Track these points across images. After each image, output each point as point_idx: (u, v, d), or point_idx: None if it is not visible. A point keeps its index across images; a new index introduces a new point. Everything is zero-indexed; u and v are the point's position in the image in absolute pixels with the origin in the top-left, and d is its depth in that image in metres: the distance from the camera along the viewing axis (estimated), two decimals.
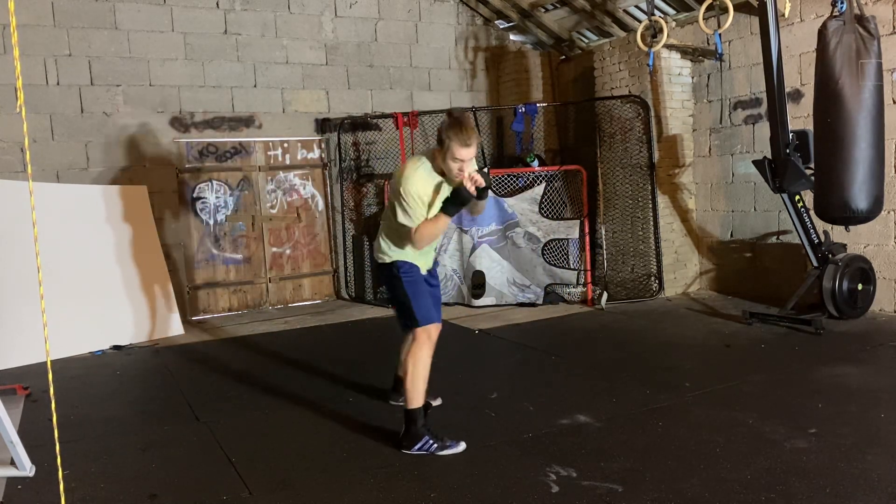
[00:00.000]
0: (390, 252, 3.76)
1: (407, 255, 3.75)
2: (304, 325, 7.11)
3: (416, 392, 3.63)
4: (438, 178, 3.60)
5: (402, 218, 3.58)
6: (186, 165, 7.69)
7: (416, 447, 3.58)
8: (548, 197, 7.57)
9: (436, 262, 4.08)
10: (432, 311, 3.76)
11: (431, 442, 3.59)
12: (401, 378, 4.08)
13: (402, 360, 4.08)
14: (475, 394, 4.50)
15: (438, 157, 3.54)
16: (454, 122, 3.46)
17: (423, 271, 3.86)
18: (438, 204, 3.58)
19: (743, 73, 7.10)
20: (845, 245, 6.06)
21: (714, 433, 3.63)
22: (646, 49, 6.84)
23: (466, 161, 3.45)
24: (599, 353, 5.51)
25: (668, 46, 7.12)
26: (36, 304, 3.82)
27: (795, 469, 3.16)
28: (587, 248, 7.48)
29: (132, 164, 7.36)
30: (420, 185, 3.56)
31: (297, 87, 8.19)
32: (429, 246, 3.80)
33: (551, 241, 7.50)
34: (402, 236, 3.67)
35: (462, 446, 3.60)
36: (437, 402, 4.27)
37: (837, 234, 6.04)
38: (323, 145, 8.42)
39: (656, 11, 7.27)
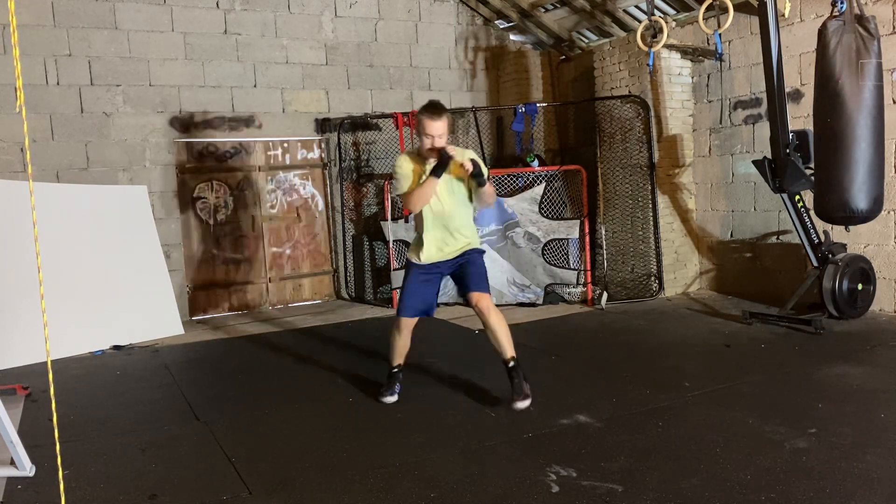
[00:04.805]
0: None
1: None
2: (304, 325, 7.11)
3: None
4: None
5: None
6: (186, 165, 7.69)
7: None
8: (548, 197, 7.57)
9: None
10: None
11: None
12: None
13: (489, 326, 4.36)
14: (475, 394, 4.50)
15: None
16: (424, 106, 4.17)
17: None
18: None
19: (743, 73, 7.10)
20: (845, 245, 6.06)
21: (714, 433, 3.63)
22: (646, 49, 6.83)
23: (436, 136, 4.05)
24: (599, 354, 5.51)
25: (668, 46, 7.12)
26: (36, 304, 3.81)
27: (795, 469, 3.16)
28: (587, 248, 7.48)
29: (132, 164, 7.36)
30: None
31: (297, 87, 8.19)
32: None
33: (551, 241, 7.50)
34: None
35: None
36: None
37: (837, 234, 6.03)
38: (323, 145, 8.42)
39: (656, 11, 7.26)
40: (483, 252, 4.39)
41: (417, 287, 4.31)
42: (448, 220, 4.22)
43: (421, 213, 4.23)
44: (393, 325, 4.43)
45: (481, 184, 4.09)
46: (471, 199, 4.28)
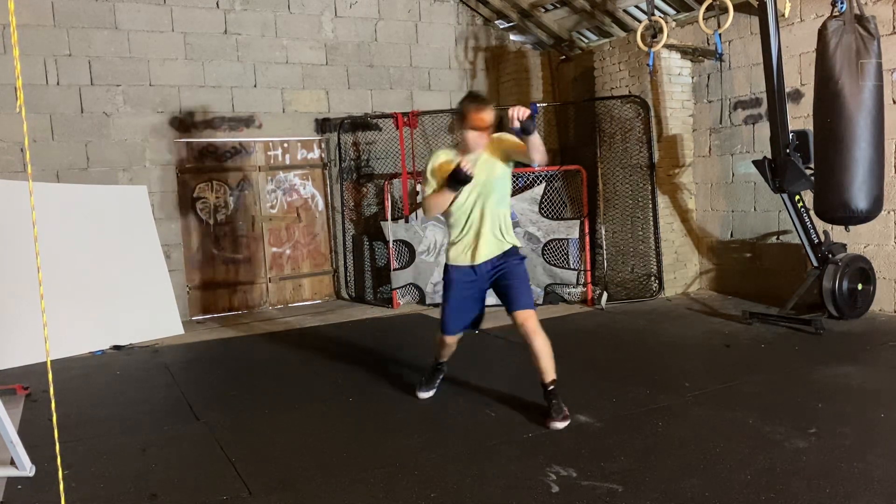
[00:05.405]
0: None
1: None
2: (304, 325, 7.11)
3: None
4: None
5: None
6: (186, 165, 7.69)
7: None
8: (548, 197, 7.57)
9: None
10: None
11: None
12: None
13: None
14: (475, 394, 4.50)
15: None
16: (467, 97, 3.94)
17: None
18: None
19: (743, 73, 7.10)
20: (845, 245, 6.06)
21: (714, 433, 3.63)
22: (646, 49, 6.84)
23: (483, 129, 3.78)
24: (599, 353, 5.51)
25: (668, 46, 7.12)
26: (36, 304, 3.82)
27: (795, 469, 3.16)
28: (587, 248, 7.48)
29: (132, 164, 7.36)
30: None
31: (297, 87, 8.19)
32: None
33: (551, 241, 7.50)
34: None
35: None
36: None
37: (837, 234, 6.04)
38: (323, 145, 8.42)
39: (656, 11, 7.26)
40: (523, 258, 4.08)
41: (458, 303, 4.09)
42: (476, 219, 3.94)
43: (450, 211, 3.98)
44: (437, 336, 4.30)
45: (529, 132, 3.55)
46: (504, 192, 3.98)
